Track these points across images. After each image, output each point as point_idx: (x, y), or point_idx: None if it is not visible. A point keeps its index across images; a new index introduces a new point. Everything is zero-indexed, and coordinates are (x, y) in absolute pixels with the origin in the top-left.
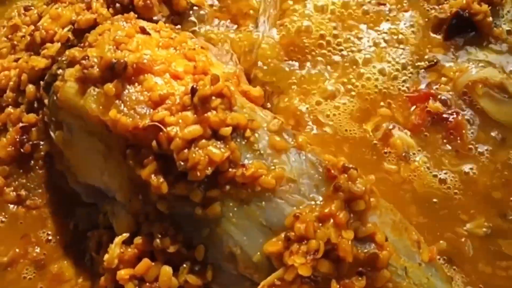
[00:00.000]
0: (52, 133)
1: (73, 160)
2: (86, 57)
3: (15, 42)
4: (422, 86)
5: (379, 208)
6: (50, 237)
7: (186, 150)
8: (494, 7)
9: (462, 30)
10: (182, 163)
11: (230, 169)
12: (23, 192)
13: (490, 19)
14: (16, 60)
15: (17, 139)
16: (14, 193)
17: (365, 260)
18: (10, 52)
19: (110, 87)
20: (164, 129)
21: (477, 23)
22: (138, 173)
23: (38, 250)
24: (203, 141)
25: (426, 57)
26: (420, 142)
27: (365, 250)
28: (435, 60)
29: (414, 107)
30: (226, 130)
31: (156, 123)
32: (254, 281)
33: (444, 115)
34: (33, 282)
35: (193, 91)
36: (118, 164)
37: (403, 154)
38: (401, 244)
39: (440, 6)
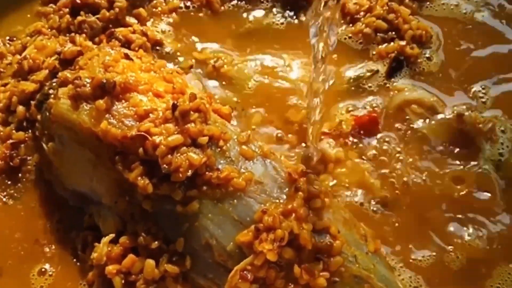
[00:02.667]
0: (44, 145)
1: (62, 169)
2: (79, 78)
3: (1, 69)
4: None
5: (332, 207)
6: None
7: (169, 156)
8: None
9: (399, 69)
10: (166, 166)
11: (206, 172)
12: (10, 202)
13: (420, 60)
14: (4, 85)
15: (7, 154)
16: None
17: (322, 248)
18: None
19: (101, 103)
20: (150, 138)
21: (411, 63)
22: (126, 176)
23: None
24: (184, 148)
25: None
26: None
27: (322, 240)
28: (375, 69)
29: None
30: (203, 139)
31: (143, 133)
32: (228, 268)
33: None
34: None
35: (174, 106)
36: (106, 170)
37: None
38: (351, 237)
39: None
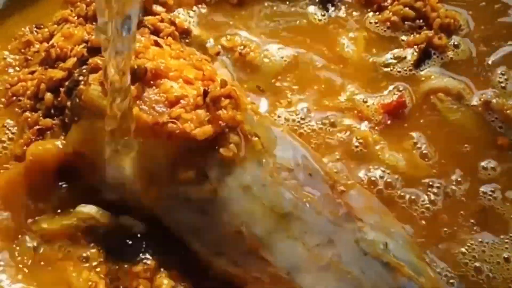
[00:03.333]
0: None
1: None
2: None
3: (29, 57)
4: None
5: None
6: None
7: None
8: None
9: (427, 58)
10: None
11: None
12: None
13: (448, 48)
14: (31, 73)
15: (33, 140)
16: None
17: None
18: (22, 64)
19: (132, 89)
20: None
21: (439, 52)
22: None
23: None
24: None
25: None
26: None
27: None
28: (403, 56)
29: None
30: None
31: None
32: (259, 255)
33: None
34: None
35: (205, 93)
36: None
37: None
38: (382, 224)
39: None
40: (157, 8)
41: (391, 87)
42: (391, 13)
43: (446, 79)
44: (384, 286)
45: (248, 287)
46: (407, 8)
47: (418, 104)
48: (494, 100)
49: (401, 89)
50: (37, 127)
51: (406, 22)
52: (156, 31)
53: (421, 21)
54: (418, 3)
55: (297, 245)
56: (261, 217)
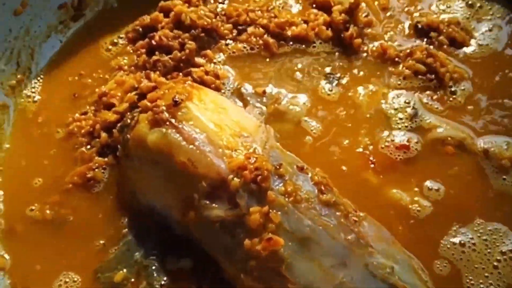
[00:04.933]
0: (124, 163)
1: (139, 184)
2: (156, 105)
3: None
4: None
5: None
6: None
7: None
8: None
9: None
10: None
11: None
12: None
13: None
14: (84, 113)
15: (86, 175)
16: None
17: None
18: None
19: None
20: None
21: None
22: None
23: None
24: None
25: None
26: None
27: None
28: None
29: None
30: None
31: None
32: None
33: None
34: None
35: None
36: (176, 186)
37: None
38: (389, 251)
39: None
40: (200, 60)
41: (399, 134)
42: (405, 68)
43: (449, 128)
44: None
45: None
46: (419, 64)
47: (425, 150)
48: (491, 149)
49: (408, 136)
50: (93, 166)
51: (418, 76)
52: (202, 83)
53: (432, 75)
54: (429, 59)
55: (314, 265)
56: (284, 240)
